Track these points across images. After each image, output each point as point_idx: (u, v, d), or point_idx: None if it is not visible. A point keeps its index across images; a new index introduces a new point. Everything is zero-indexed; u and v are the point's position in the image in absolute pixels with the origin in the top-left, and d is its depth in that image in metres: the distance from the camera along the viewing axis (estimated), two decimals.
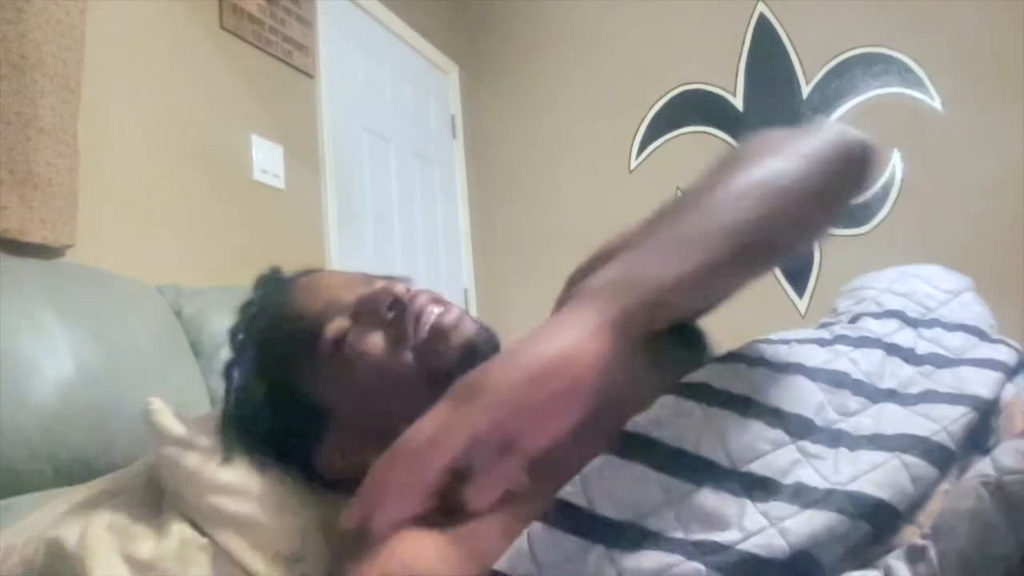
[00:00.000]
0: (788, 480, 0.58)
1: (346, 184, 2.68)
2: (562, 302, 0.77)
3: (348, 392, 0.72)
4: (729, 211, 0.58)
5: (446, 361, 0.71)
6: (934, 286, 0.81)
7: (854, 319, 0.79)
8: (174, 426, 0.76)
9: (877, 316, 0.78)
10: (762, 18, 3.23)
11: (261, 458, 0.75)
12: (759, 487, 0.58)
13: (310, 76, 2.53)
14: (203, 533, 0.73)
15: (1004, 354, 0.67)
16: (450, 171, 3.54)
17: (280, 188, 2.33)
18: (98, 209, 1.63)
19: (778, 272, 3.16)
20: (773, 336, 0.76)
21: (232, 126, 2.18)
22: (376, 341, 0.72)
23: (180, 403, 0.81)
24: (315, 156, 2.54)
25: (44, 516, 0.77)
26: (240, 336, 0.80)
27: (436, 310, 0.73)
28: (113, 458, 1.02)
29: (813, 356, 0.70)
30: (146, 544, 0.70)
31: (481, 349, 0.72)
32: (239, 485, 0.72)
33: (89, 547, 0.69)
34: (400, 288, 0.74)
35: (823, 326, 0.80)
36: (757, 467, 0.59)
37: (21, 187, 1.43)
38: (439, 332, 0.71)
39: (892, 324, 0.75)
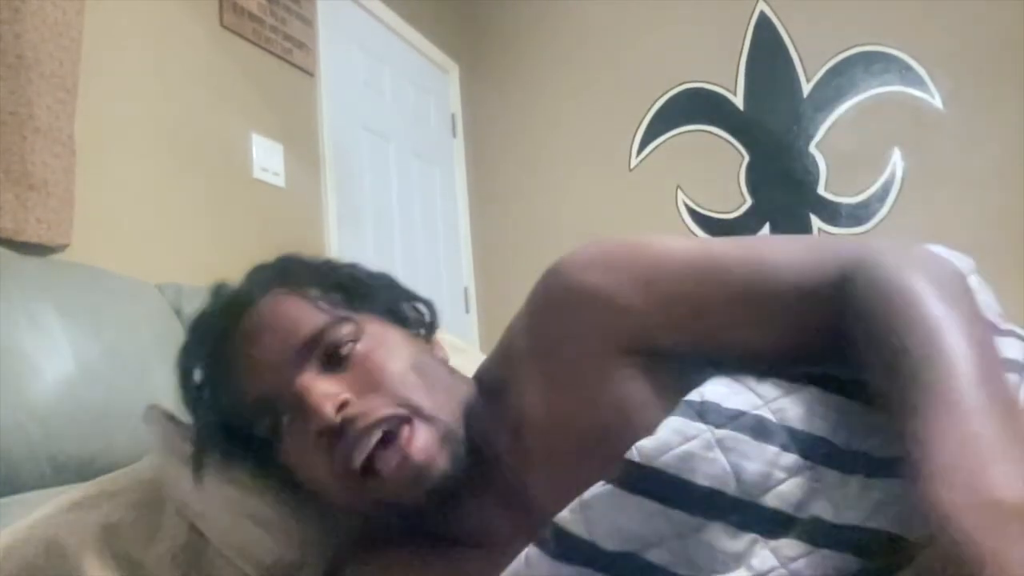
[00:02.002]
0: (802, 514, 0.55)
1: (346, 182, 2.67)
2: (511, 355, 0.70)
3: (292, 470, 0.70)
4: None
5: (387, 506, 0.67)
6: None
7: None
8: (173, 435, 0.75)
9: None
10: (763, 16, 3.22)
11: (253, 468, 0.74)
12: (771, 521, 0.55)
13: (310, 74, 2.53)
14: (202, 535, 0.72)
15: (1016, 350, 0.64)
16: (450, 170, 3.53)
17: (280, 186, 2.32)
18: (96, 208, 1.63)
19: None
20: None
21: (232, 124, 2.17)
22: (312, 457, 0.66)
23: (179, 402, 0.81)
24: (315, 154, 2.53)
25: (44, 515, 0.77)
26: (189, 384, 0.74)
27: (370, 444, 0.63)
28: (112, 456, 1.01)
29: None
30: (144, 546, 0.70)
31: (436, 496, 0.65)
32: (236, 498, 0.71)
33: (87, 548, 0.69)
34: (326, 411, 0.62)
35: None
36: (770, 499, 0.55)
37: (16, 187, 1.43)
38: (375, 476, 0.64)
39: None
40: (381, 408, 0.64)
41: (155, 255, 1.80)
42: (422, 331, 0.77)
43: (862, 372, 0.57)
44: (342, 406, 0.63)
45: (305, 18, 2.51)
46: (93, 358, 1.08)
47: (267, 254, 2.32)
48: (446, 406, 0.67)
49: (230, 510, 0.72)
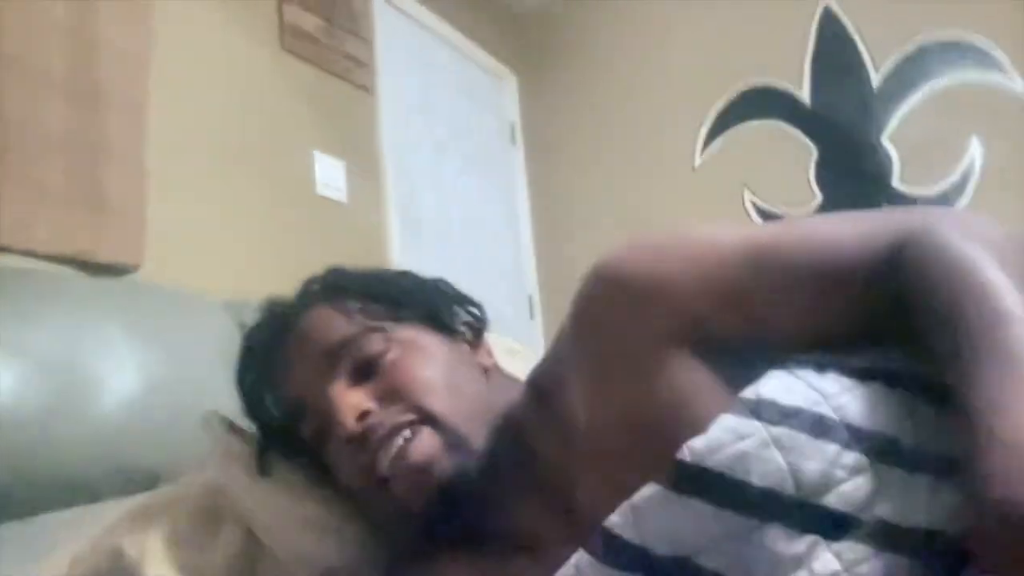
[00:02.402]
0: (866, 515, 0.52)
1: (407, 195, 2.71)
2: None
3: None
4: None
5: (417, 507, 0.67)
6: None
7: None
8: (231, 442, 0.77)
9: None
10: (827, 9, 3.13)
11: (308, 475, 0.76)
12: (832, 522, 0.52)
13: (369, 92, 2.57)
14: (258, 543, 0.74)
15: None
16: (510, 178, 3.55)
17: (342, 202, 2.37)
18: (166, 228, 1.68)
19: None
20: None
21: (295, 143, 2.23)
22: (342, 463, 0.69)
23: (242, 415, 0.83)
24: (376, 169, 2.57)
25: (109, 525, 0.79)
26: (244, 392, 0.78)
27: (396, 445, 0.65)
28: (178, 467, 1.04)
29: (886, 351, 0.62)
30: (202, 555, 0.71)
31: (455, 494, 0.66)
32: (290, 507, 0.73)
33: (149, 557, 0.71)
34: (348, 421, 0.65)
35: None
36: (831, 499, 0.53)
37: (91, 210, 1.50)
38: (402, 475, 0.65)
39: None
40: (397, 415, 0.66)
41: (224, 272, 1.85)
42: (468, 335, 0.78)
43: (921, 352, 0.54)
44: (363, 415, 0.66)
45: (363, 37, 2.56)
46: (160, 373, 1.12)
47: None
48: (466, 413, 0.68)
49: (286, 516, 0.73)
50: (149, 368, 1.11)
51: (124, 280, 1.51)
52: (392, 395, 0.67)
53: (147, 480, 1.01)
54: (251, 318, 0.81)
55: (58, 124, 1.47)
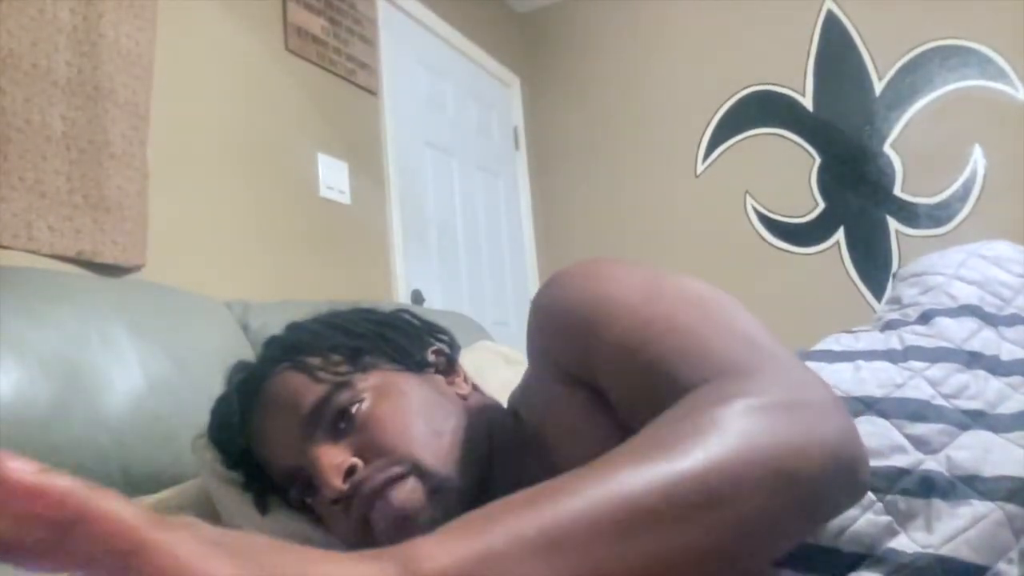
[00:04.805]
0: (878, 552, 0.53)
1: (410, 198, 2.71)
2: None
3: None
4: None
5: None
6: (1007, 269, 0.75)
7: (925, 316, 0.72)
8: (216, 465, 0.78)
9: (952, 315, 0.71)
10: (830, 14, 3.14)
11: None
12: (846, 565, 0.53)
13: (373, 94, 2.57)
14: None
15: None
16: (513, 182, 3.55)
17: (346, 204, 2.37)
18: (169, 229, 1.69)
19: (855, 274, 3.05)
20: (835, 346, 0.71)
21: (298, 145, 2.23)
22: (333, 520, 0.68)
23: None
24: (379, 172, 2.58)
25: None
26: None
27: (381, 502, 0.64)
28: (181, 468, 1.05)
29: (884, 379, 0.63)
30: None
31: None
32: (283, 520, 0.73)
33: None
34: (334, 483, 0.64)
35: (889, 325, 0.75)
36: (846, 542, 0.53)
37: (94, 211, 1.50)
38: (386, 523, 0.64)
39: (970, 324, 0.69)
40: (385, 469, 0.64)
41: (226, 273, 1.85)
42: (439, 364, 0.77)
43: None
44: (349, 472, 0.64)
45: (367, 39, 2.57)
46: (162, 373, 1.12)
47: (334, 270, 2.34)
48: (448, 452, 0.67)
49: (279, 532, 0.73)
50: (152, 368, 1.11)
51: (127, 280, 1.51)
52: (373, 448, 0.65)
53: (149, 479, 1.02)
54: (264, 321, 0.80)
55: (61, 124, 1.47)
